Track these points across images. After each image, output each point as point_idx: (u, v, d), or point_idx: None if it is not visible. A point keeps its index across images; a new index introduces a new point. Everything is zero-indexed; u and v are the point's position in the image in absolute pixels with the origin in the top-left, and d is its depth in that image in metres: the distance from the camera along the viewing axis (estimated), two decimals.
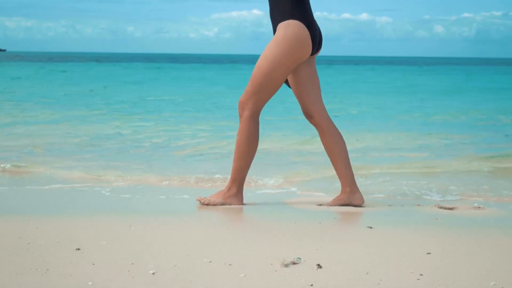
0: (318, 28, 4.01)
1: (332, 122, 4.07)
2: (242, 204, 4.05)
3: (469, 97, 17.85)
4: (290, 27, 3.90)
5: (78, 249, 2.77)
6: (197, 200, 4.08)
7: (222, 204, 4.02)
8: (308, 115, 4.06)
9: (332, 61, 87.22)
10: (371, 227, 3.36)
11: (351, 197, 4.08)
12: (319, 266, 2.57)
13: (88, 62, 61.87)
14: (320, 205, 4.13)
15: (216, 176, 5.23)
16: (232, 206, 4.00)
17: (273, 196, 4.57)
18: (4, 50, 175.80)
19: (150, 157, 6.50)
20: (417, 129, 9.44)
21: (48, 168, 5.57)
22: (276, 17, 3.97)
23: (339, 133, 4.08)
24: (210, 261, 2.62)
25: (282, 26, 3.92)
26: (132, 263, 2.57)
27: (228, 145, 7.23)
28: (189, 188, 4.80)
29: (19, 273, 2.44)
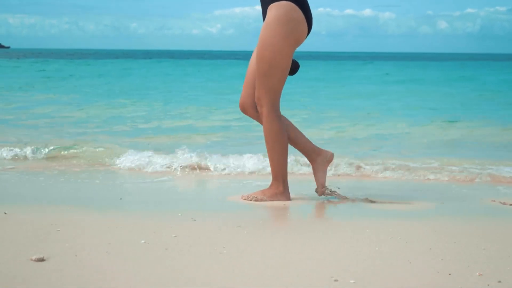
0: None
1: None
2: (289, 199, 3.85)
3: None
4: (282, 7, 3.60)
5: None
6: (242, 198, 3.87)
7: (270, 200, 3.81)
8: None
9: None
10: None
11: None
12: None
13: (125, 59, 56.81)
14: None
15: None
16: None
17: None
18: (8, 47, 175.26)
19: None
20: None
21: None
22: None
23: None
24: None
25: (274, 7, 3.62)
26: None
27: None
28: None
29: None
